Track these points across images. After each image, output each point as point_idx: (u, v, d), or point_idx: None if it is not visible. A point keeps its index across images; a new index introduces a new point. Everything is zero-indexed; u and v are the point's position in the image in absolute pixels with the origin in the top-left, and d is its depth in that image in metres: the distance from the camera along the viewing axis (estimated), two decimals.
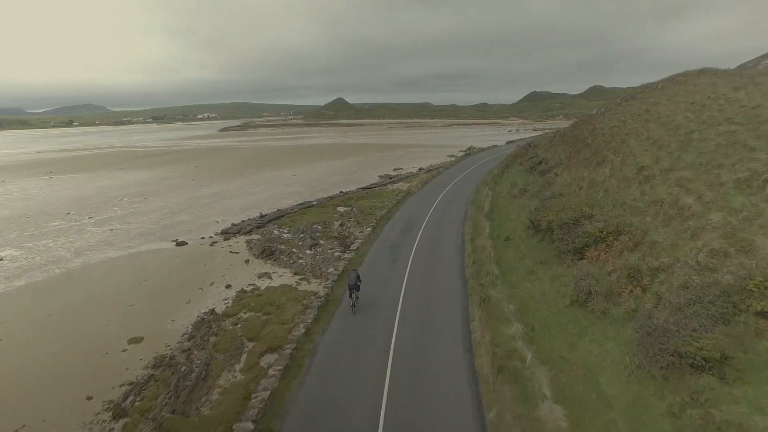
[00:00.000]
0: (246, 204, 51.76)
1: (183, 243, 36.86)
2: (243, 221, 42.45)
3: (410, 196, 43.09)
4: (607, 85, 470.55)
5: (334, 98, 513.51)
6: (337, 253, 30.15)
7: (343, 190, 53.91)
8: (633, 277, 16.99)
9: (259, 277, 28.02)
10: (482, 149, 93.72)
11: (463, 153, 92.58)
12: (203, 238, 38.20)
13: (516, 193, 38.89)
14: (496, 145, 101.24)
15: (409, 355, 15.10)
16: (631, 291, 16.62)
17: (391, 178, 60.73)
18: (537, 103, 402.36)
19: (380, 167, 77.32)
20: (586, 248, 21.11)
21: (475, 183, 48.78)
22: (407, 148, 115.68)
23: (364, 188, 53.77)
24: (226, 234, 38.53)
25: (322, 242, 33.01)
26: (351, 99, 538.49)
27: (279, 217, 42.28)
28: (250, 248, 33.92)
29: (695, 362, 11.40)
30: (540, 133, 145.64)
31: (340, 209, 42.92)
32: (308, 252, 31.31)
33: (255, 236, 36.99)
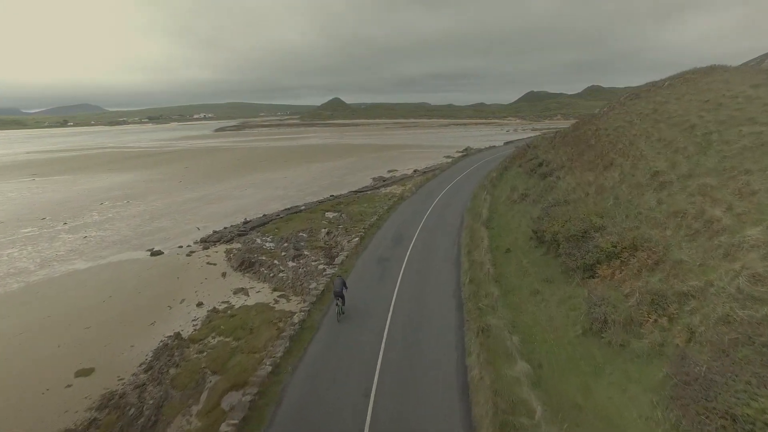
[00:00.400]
0: (231, 209, 49.11)
1: (158, 253, 34.20)
2: (225, 228, 39.82)
3: (403, 201, 40.49)
4: (605, 84, 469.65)
5: (332, 98, 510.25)
6: (321, 266, 27.58)
7: (334, 194, 51.33)
8: (656, 303, 14.49)
9: (234, 293, 25.43)
10: (480, 150, 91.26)
11: (460, 154, 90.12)
12: (181, 247, 35.56)
13: (516, 198, 36.42)
14: (494, 146, 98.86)
15: (395, 405, 12.54)
16: (656, 321, 14.13)
17: (384, 181, 58.18)
18: (534, 103, 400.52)
19: (374, 169, 74.75)
20: (598, 265, 18.63)
21: (473, 186, 46.27)
22: (402, 148, 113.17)
23: (356, 192, 51.21)
24: (206, 242, 35.92)
25: (306, 253, 30.43)
26: (349, 99, 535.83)
27: (264, 223, 39.66)
28: (229, 259, 31.33)
29: (755, 430, 8.92)
30: (538, 133, 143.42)
31: (329, 215, 40.35)
32: (290, 264, 28.74)
33: (236, 245, 34.38)
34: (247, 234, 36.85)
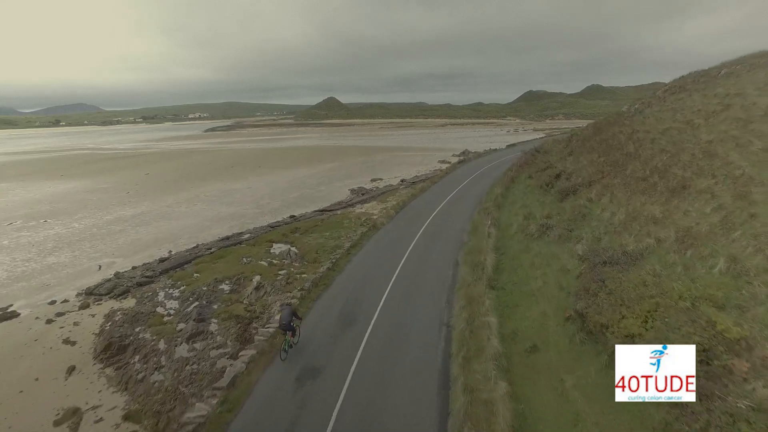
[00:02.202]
0: (162, 234, 38.26)
1: (11, 315, 23.37)
2: (134, 268, 29.08)
3: (377, 230, 29.66)
4: (605, 84, 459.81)
5: (327, 97, 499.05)
6: (223, 359, 16.80)
7: (296, 214, 40.45)
8: None
9: (56, 423, 14.59)
10: (479, 155, 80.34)
11: (457, 158, 79.44)
12: (53, 302, 24.71)
13: (534, 231, 25.60)
14: (495, 149, 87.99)
15: None
16: None
17: (363, 195, 47.31)
18: (533, 103, 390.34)
19: (356, 177, 63.87)
20: None
21: (471, 207, 35.54)
22: (393, 151, 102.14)
23: (323, 211, 40.29)
24: (91, 295, 25.08)
25: (212, 327, 19.51)
26: (346, 98, 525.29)
27: (185, 262, 28.79)
28: (101, 332, 20.49)
29: None
30: (542, 134, 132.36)
31: (276, 248, 29.57)
32: (180, 350, 17.91)
33: (127, 303, 23.57)
34: (153, 281, 26.05)
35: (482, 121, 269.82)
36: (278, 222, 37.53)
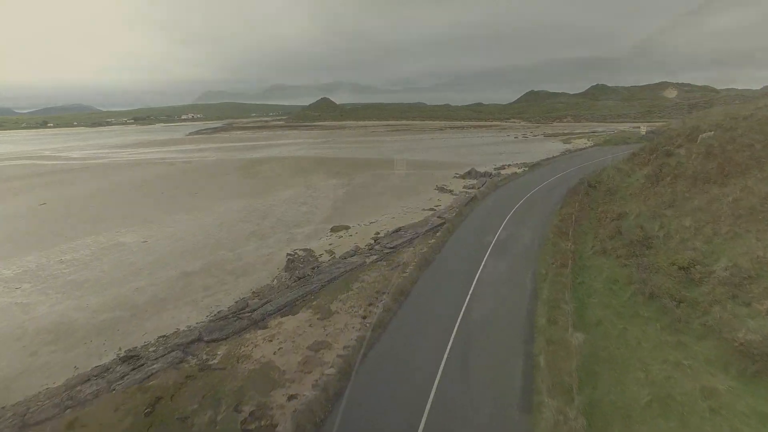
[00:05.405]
0: None
1: None
2: None
3: None
4: (607, 83, 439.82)
5: (320, 98, 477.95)
6: None
7: (138, 348, 19.52)
8: None
9: None
10: (495, 184, 58.93)
11: (461, 181, 58.83)
12: None
13: None
14: (514, 170, 66.83)
15: None
16: None
17: (300, 279, 26.45)
18: (536, 103, 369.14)
19: (311, 221, 42.90)
20: None
21: (512, 396, 14.72)
22: (379, 168, 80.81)
23: (191, 344, 19.36)
24: None
25: None
26: (346, 98, 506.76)
27: None
28: None
29: None
30: (559, 142, 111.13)
31: None
32: None
33: None
34: None
35: (483, 123, 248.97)
36: (86, 384, 16.72)
